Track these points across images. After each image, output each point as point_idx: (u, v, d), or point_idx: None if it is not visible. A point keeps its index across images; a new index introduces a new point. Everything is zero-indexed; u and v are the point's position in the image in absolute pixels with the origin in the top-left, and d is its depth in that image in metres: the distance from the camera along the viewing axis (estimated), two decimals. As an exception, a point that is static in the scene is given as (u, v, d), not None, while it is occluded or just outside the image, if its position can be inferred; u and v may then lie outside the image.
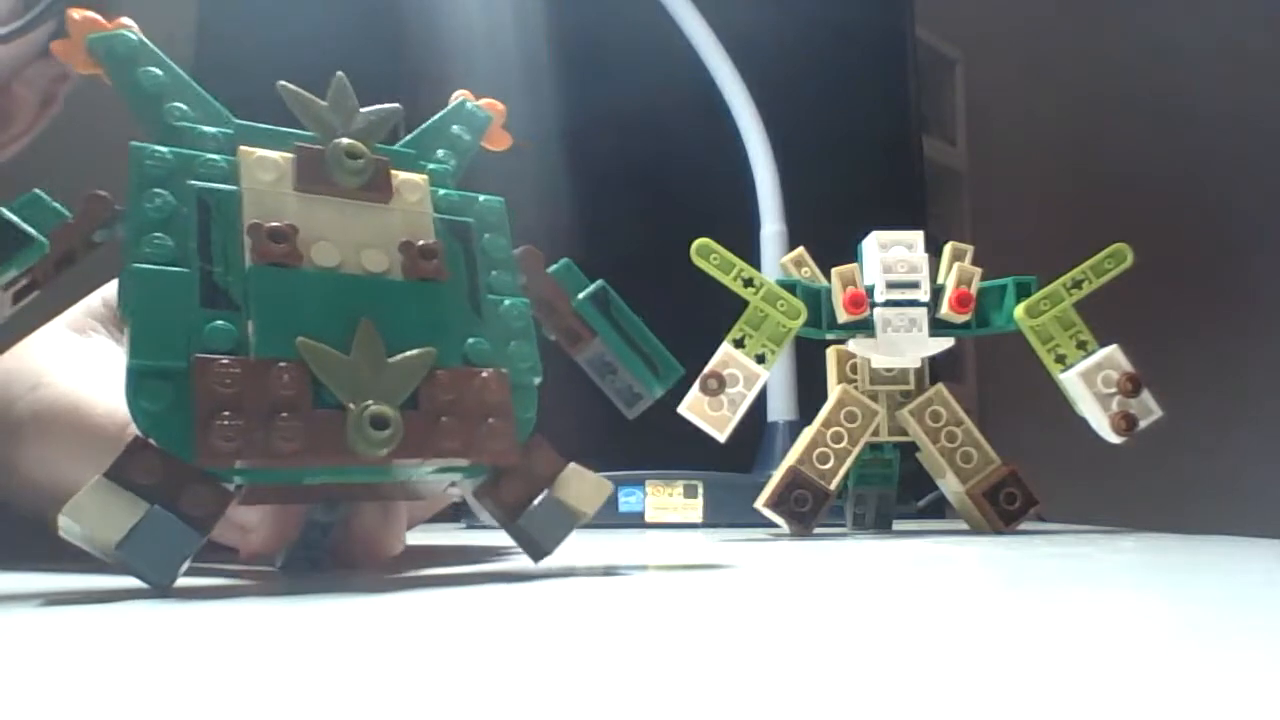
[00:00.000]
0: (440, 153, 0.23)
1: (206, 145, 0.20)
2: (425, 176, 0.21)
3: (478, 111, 0.24)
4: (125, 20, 0.20)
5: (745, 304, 0.35)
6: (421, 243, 0.20)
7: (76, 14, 0.20)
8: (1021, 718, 0.08)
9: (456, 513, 0.56)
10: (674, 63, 0.67)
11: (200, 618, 0.15)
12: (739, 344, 0.35)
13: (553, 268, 0.23)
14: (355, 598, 0.17)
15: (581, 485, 0.20)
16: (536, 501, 0.20)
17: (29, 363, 0.25)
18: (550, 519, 0.20)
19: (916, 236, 0.38)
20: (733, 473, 0.52)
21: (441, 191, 0.21)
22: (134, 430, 0.17)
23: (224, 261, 0.18)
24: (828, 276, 0.38)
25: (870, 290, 0.38)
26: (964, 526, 0.39)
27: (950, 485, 0.38)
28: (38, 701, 0.09)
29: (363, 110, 0.20)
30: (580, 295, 0.23)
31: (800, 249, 0.41)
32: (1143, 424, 0.35)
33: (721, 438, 0.34)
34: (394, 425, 0.17)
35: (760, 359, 0.35)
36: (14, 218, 0.18)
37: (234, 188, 0.19)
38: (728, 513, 0.51)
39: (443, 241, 0.20)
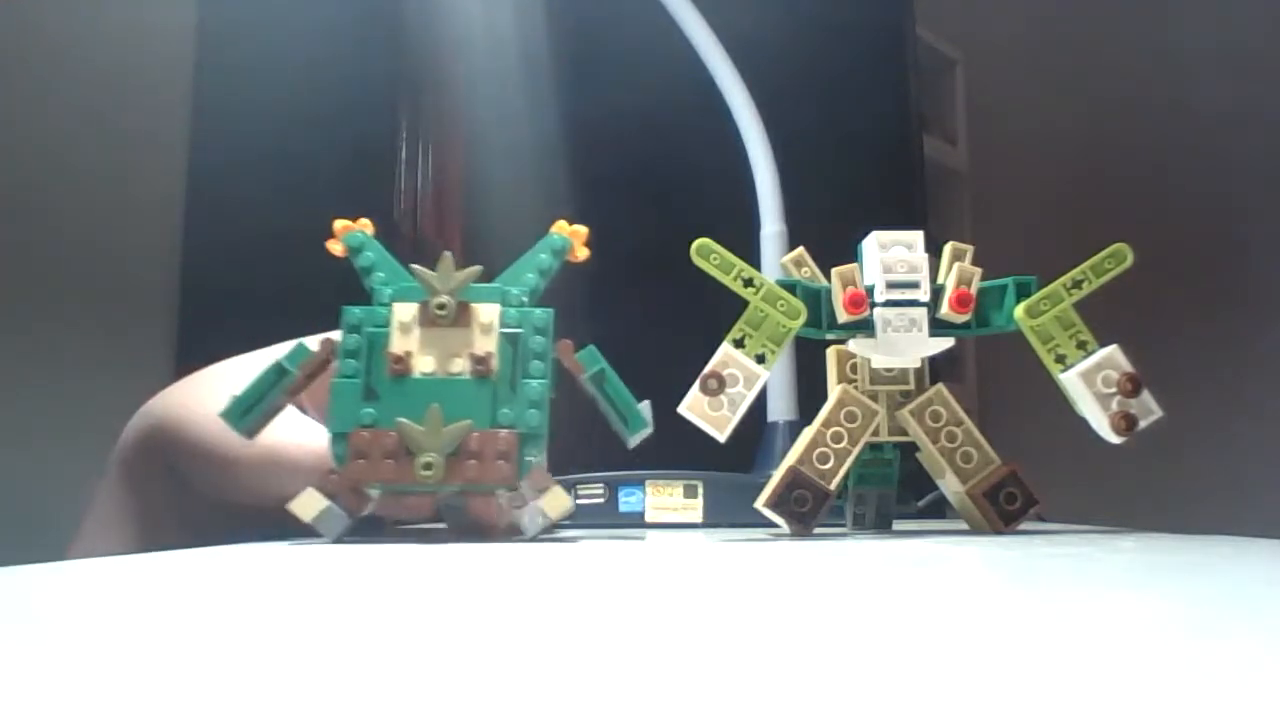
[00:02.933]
0: (529, 275, 0.35)
1: (383, 299, 0.34)
2: (497, 306, 0.34)
3: (560, 240, 0.36)
4: (364, 221, 0.35)
5: (745, 304, 0.35)
6: (482, 353, 0.33)
7: (339, 224, 0.35)
8: (1023, 718, 0.08)
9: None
10: (674, 63, 0.67)
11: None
12: (739, 344, 0.35)
13: (580, 352, 0.34)
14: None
15: (556, 500, 0.33)
16: (527, 506, 0.33)
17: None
18: (532, 517, 0.33)
19: (916, 236, 0.38)
20: (733, 473, 0.52)
21: (512, 311, 0.34)
22: (327, 462, 0.33)
23: (377, 373, 0.33)
24: (828, 276, 0.38)
25: (870, 290, 0.37)
26: (964, 526, 0.39)
27: (950, 485, 0.38)
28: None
29: (456, 273, 0.33)
30: (585, 375, 0.34)
31: (800, 249, 0.41)
32: (1143, 424, 0.34)
33: (721, 438, 0.34)
34: (436, 467, 0.32)
35: (760, 359, 0.35)
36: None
37: (386, 329, 0.33)
38: (728, 513, 0.51)
39: (502, 348, 0.33)
